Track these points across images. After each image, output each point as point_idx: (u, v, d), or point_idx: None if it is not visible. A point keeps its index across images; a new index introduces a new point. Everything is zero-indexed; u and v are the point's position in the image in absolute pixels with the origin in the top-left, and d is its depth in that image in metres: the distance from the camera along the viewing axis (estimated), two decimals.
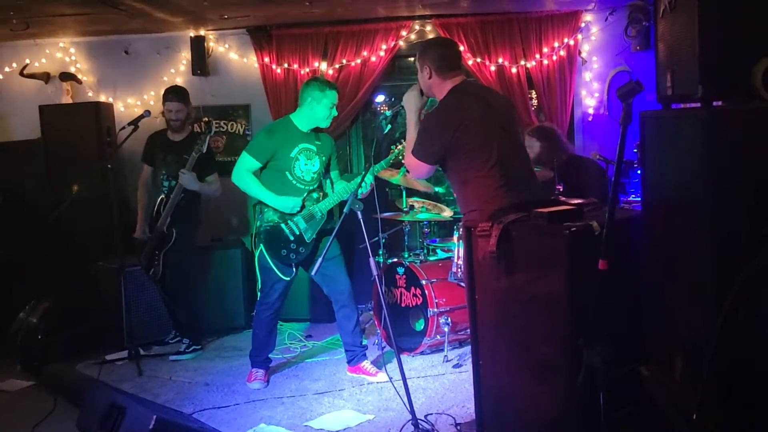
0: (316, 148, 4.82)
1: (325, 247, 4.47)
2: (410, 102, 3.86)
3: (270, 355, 5.03)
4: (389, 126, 4.04)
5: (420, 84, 3.84)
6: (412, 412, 3.74)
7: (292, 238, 4.73)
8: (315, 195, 4.78)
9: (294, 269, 4.80)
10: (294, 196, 4.72)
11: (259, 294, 4.96)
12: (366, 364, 4.94)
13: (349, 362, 5.00)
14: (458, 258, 5.08)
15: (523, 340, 3.19)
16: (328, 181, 4.97)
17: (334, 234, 3.95)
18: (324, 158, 4.87)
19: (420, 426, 3.76)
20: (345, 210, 3.82)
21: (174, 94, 5.65)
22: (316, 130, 4.86)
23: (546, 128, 5.55)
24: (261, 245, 4.80)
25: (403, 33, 6.56)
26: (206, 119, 6.33)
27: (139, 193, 5.87)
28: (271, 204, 4.72)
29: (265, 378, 4.94)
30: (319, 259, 3.84)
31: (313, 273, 4.26)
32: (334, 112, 4.81)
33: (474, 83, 4.12)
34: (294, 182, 4.76)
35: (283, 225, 4.73)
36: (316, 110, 4.74)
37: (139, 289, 5.85)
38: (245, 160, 4.77)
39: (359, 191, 4.56)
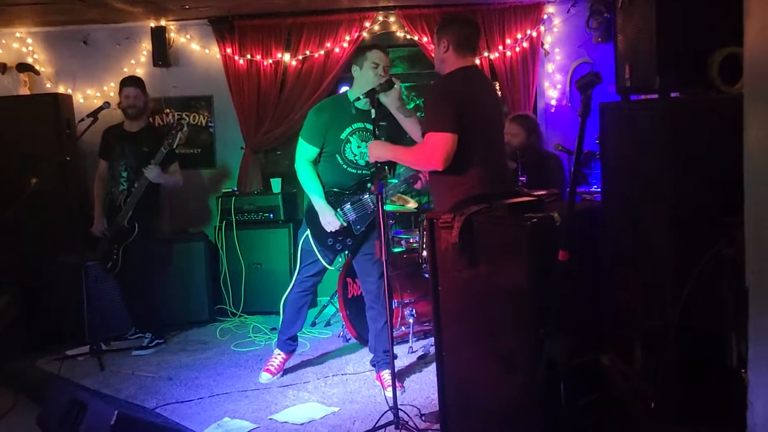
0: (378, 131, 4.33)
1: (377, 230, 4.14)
2: (380, 151, 3.80)
3: (290, 340, 4.84)
4: (374, 110, 3.87)
5: (434, 56, 3.82)
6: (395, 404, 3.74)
7: (340, 229, 4.45)
8: (369, 185, 4.40)
9: (340, 259, 4.58)
10: (344, 183, 4.40)
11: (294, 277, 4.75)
12: (386, 374, 4.49)
13: (373, 366, 4.75)
14: (423, 249, 5.09)
15: (485, 331, 3.21)
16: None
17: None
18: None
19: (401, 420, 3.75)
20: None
21: (131, 80, 5.70)
22: (384, 113, 4.14)
23: (531, 119, 5.54)
24: (308, 231, 4.55)
25: (367, 24, 6.54)
26: (180, 117, 6.32)
27: (96, 188, 5.81)
28: (315, 206, 4.42)
29: (281, 367, 4.83)
30: (377, 242, 3.73)
31: (377, 256, 3.86)
32: (381, 73, 4.26)
33: (482, 71, 4.06)
34: (345, 167, 4.40)
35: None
36: (362, 77, 4.31)
37: (100, 283, 5.77)
38: (301, 147, 4.43)
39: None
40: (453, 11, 6.37)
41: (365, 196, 4.40)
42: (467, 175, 3.56)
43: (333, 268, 4.69)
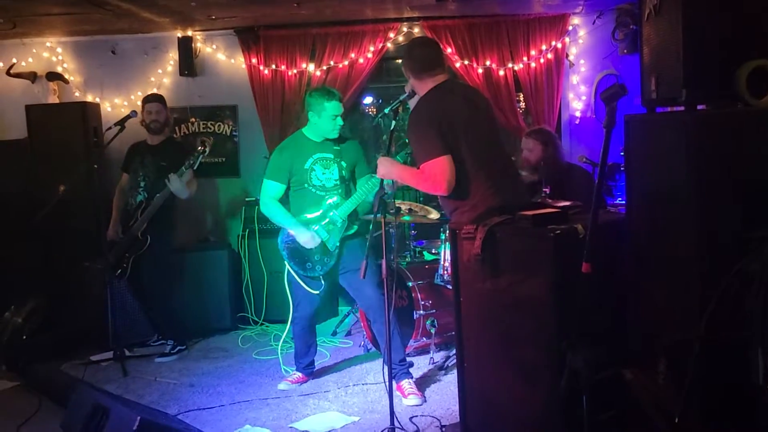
0: (333, 155, 4.68)
1: (363, 250, 4.39)
2: (387, 170, 3.81)
3: (308, 367, 4.99)
4: (394, 122, 3.94)
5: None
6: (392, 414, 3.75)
7: (314, 249, 4.65)
8: (335, 202, 4.65)
9: (323, 282, 4.70)
10: (315, 207, 4.65)
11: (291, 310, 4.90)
12: (405, 384, 4.60)
13: (393, 378, 4.67)
14: (444, 260, 5.09)
15: (507, 342, 3.20)
16: (353, 187, 4.79)
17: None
18: (345, 164, 4.71)
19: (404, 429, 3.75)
20: (375, 212, 3.75)
21: (153, 96, 5.90)
22: (339, 138, 4.72)
23: (546, 132, 5.52)
24: (285, 261, 4.79)
25: (391, 35, 6.56)
26: (203, 140, 6.37)
27: (116, 198, 5.94)
28: (291, 232, 4.67)
29: (300, 380, 4.92)
30: (364, 261, 3.81)
31: (361, 277, 3.88)
32: (340, 122, 4.64)
33: (458, 83, 4.04)
34: (314, 191, 4.66)
35: None
36: (320, 123, 4.63)
37: (125, 290, 5.82)
38: (266, 187, 4.73)
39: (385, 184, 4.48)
40: (477, 21, 6.38)
41: (331, 213, 4.65)
42: (472, 190, 3.55)
43: (317, 293, 4.74)
